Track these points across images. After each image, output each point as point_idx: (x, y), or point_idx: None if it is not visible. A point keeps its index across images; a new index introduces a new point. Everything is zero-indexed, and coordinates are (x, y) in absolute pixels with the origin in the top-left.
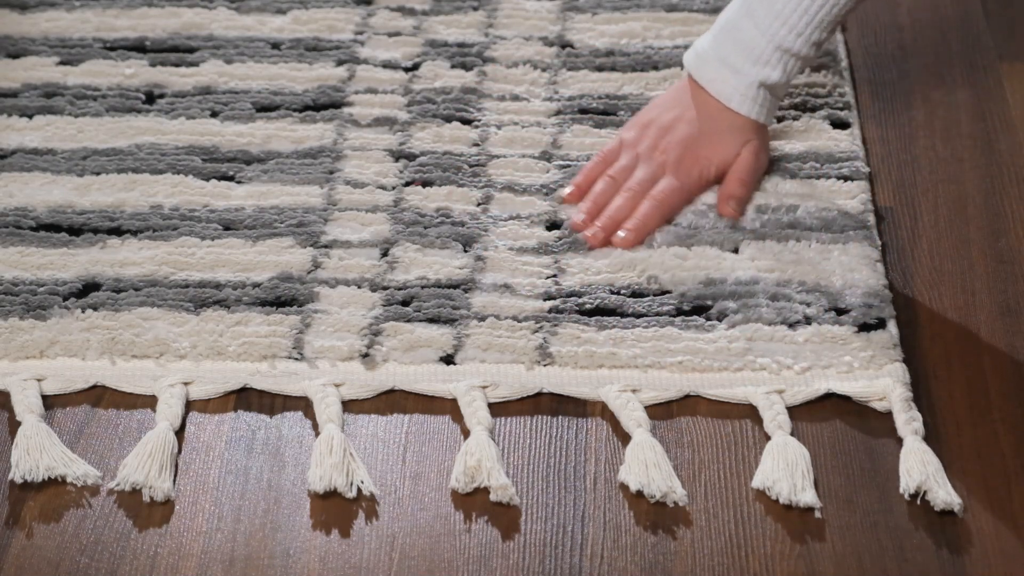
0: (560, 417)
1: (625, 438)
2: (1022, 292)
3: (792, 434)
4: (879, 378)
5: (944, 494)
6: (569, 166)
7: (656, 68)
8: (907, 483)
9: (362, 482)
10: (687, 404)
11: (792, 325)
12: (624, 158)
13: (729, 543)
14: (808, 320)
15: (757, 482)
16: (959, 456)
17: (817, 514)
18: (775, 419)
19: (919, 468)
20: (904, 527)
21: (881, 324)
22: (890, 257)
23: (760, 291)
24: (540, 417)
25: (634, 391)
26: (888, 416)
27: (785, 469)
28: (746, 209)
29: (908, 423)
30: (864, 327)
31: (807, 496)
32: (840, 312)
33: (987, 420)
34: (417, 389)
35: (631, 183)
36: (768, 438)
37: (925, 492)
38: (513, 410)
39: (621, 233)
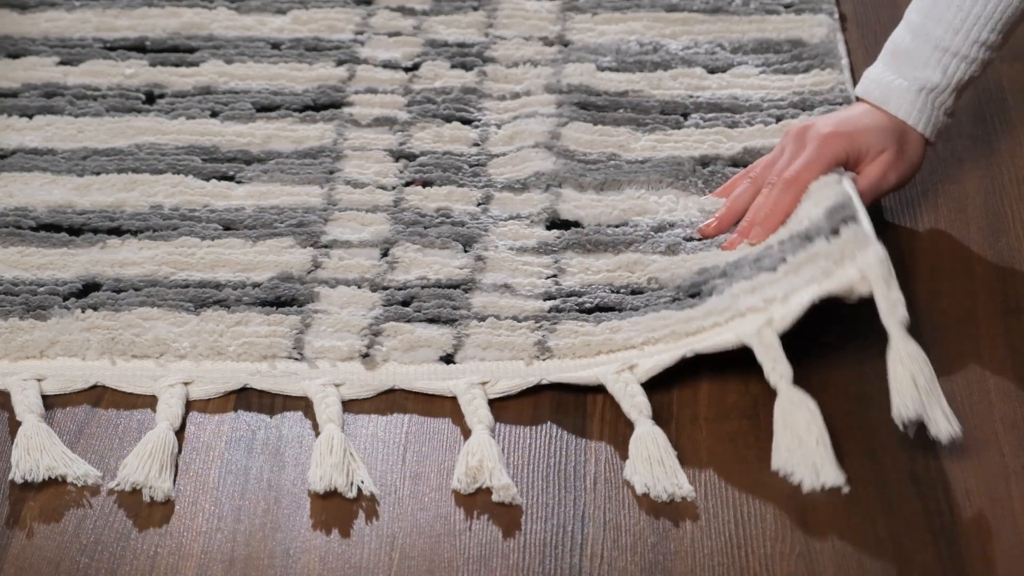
0: (560, 417)
1: (626, 436)
2: (1022, 292)
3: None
4: (854, 266)
5: (943, 420)
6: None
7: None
8: (900, 407)
9: (362, 482)
10: (687, 404)
11: (772, 269)
12: (770, 155)
13: (729, 543)
14: (785, 260)
15: (775, 464)
16: (959, 456)
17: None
18: (775, 368)
19: (910, 391)
20: (904, 527)
21: (851, 220)
22: (890, 257)
23: (746, 262)
24: (540, 417)
25: (631, 368)
26: (891, 418)
27: (795, 440)
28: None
29: (892, 310)
30: (834, 232)
31: (829, 475)
32: (811, 238)
33: (987, 420)
34: (417, 388)
35: (771, 176)
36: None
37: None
38: (513, 409)
39: (753, 231)
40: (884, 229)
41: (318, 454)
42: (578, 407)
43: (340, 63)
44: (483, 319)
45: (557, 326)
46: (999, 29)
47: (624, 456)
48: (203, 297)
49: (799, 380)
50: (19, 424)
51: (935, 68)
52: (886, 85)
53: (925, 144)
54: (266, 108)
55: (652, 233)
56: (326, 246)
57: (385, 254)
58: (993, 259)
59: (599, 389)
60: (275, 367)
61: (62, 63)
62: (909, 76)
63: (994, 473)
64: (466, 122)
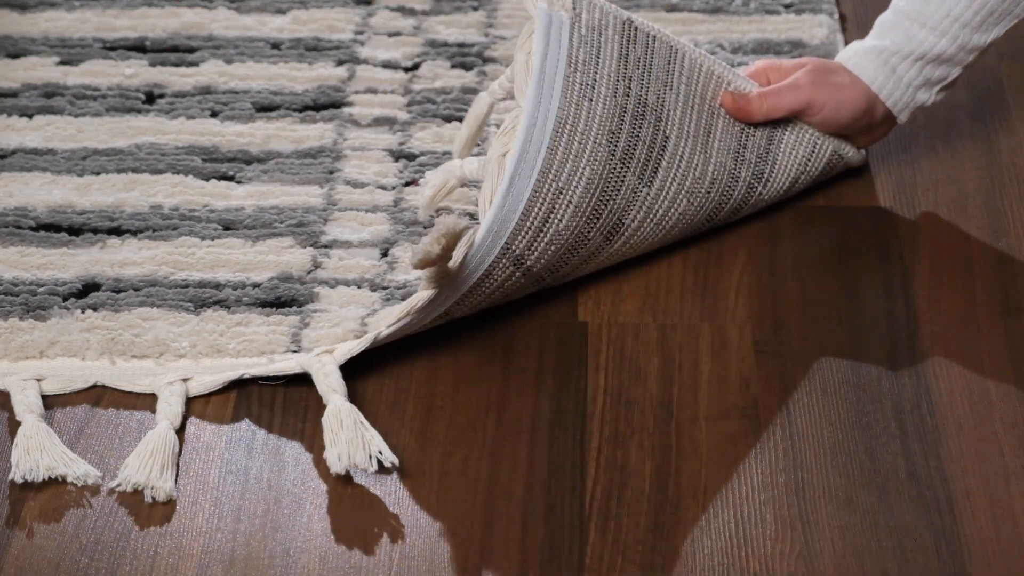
0: (560, 417)
1: (626, 436)
2: (1022, 292)
3: None
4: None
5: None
6: None
7: None
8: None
9: (380, 453)
10: (687, 404)
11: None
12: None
13: (729, 543)
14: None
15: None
16: (959, 456)
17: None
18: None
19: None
20: (904, 527)
21: None
22: (890, 257)
23: None
24: (540, 417)
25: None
26: (891, 418)
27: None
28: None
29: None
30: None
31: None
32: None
33: (987, 420)
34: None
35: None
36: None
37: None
38: (513, 410)
39: None
40: (885, 227)
41: (329, 431)
42: (578, 407)
43: (340, 63)
44: None
45: None
46: (975, 8)
47: (626, 457)
48: (203, 297)
49: (801, 380)
50: (19, 424)
51: (900, 33)
52: (854, 48)
53: (867, 94)
54: (266, 108)
55: None
56: (326, 246)
57: (385, 254)
58: (993, 259)
59: (599, 389)
60: (273, 361)
61: (62, 63)
62: (873, 39)
63: (994, 473)
64: None
